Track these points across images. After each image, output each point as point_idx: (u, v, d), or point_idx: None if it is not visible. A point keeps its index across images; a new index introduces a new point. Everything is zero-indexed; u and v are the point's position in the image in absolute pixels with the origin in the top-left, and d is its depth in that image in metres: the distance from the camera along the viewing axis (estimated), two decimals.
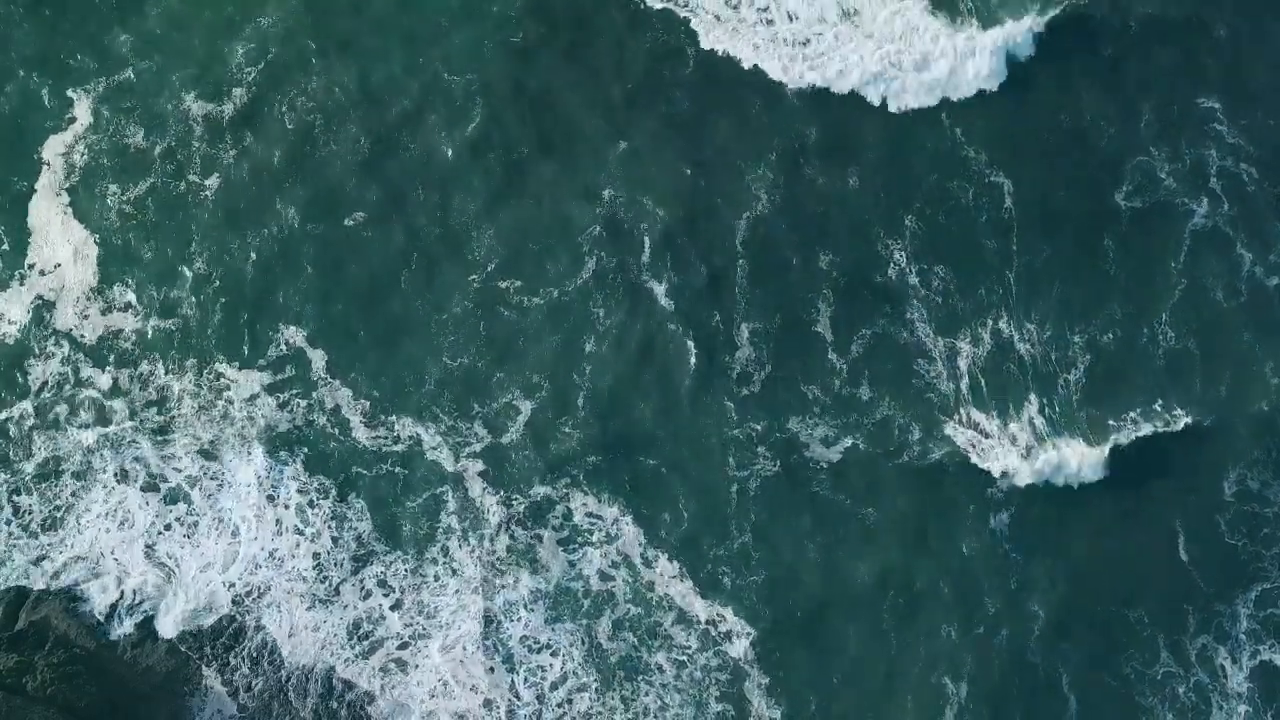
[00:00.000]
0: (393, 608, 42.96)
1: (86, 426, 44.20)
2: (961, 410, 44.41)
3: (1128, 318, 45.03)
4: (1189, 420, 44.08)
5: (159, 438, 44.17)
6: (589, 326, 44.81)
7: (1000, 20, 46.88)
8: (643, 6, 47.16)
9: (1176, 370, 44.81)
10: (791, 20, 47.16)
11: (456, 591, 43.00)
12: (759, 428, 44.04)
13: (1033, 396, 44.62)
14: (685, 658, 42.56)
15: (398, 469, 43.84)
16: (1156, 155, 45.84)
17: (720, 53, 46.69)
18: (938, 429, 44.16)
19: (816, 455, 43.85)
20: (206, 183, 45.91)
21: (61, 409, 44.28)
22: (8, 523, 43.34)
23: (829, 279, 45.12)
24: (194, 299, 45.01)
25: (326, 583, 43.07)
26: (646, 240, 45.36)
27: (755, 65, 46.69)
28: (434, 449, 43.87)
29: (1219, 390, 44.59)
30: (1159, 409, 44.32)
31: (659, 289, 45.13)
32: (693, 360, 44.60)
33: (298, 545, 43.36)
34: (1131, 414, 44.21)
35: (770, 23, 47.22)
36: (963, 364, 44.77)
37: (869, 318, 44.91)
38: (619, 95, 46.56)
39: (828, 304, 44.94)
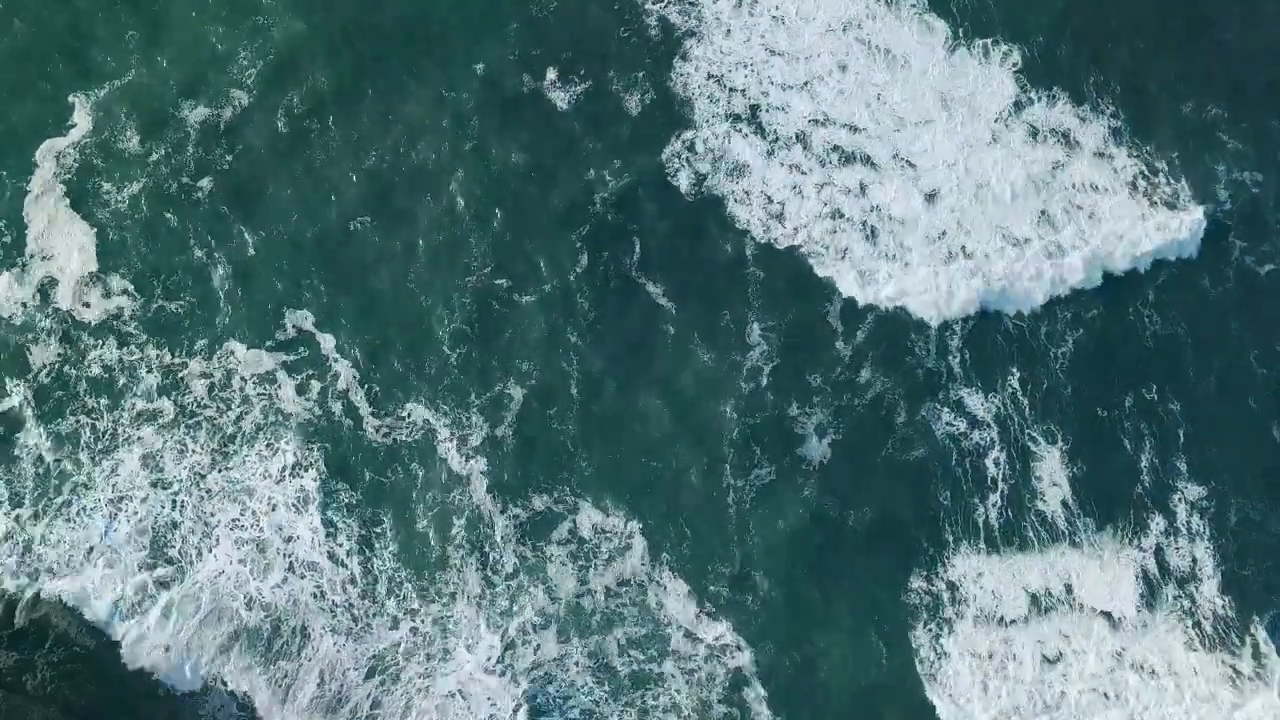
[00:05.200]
0: (402, 621, 42.84)
1: (95, 412, 44.16)
2: (950, 387, 44.67)
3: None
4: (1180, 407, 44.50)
5: (166, 428, 44.15)
6: (588, 325, 44.93)
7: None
8: (649, 19, 47.76)
9: (1166, 354, 45.17)
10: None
11: (465, 605, 42.91)
12: (757, 426, 44.24)
13: (1016, 370, 44.95)
14: (692, 666, 42.49)
15: (402, 479, 43.96)
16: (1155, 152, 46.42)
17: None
18: (924, 411, 44.40)
19: (810, 452, 44.01)
20: (204, 180, 46.12)
21: (66, 395, 44.23)
22: (8, 514, 43.30)
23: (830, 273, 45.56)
24: (197, 290, 45.23)
25: (335, 589, 42.88)
26: (643, 242, 45.61)
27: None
28: (440, 456, 43.94)
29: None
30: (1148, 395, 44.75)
31: (655, 286, 45.32)
32: (690, 360, 44.81)
33: (307, 548, 43.17)
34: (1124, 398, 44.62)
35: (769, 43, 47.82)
36: (953, 343, 45.09)
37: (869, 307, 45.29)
38: (619, 101, 47.00)
39: (835, 296, 45.30)
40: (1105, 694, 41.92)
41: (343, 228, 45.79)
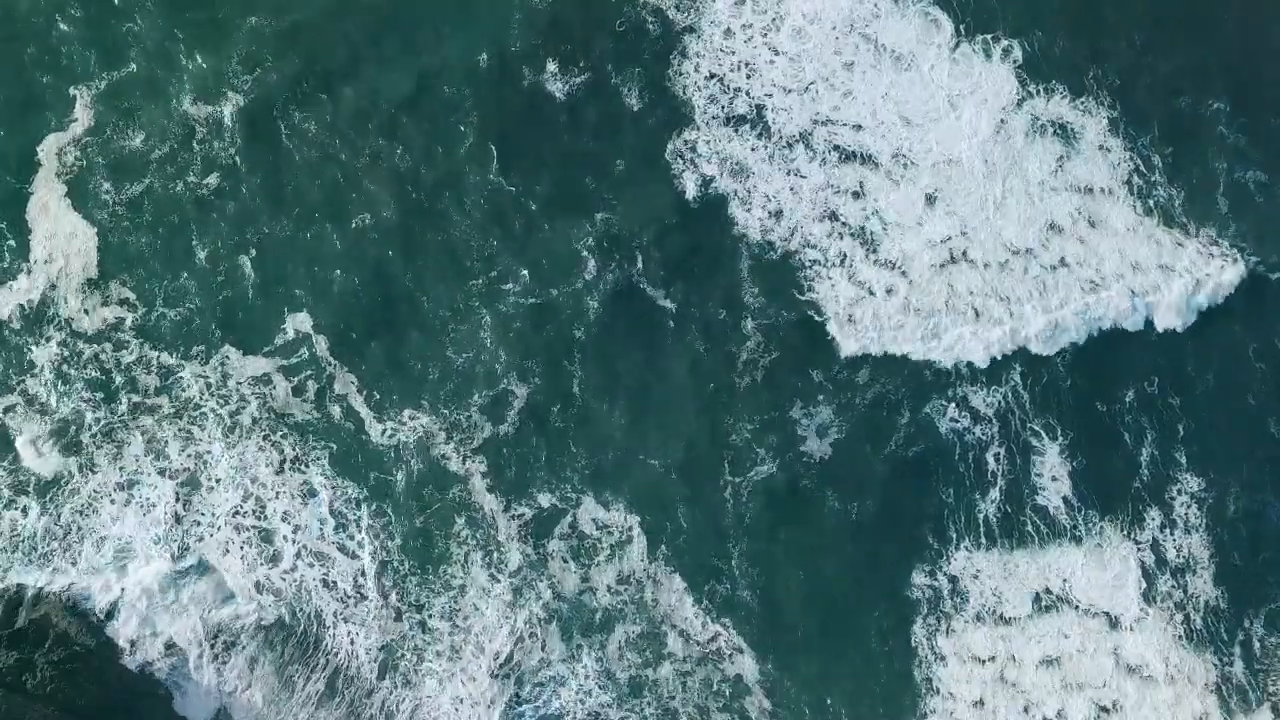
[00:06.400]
0: (406, 615, 42.98)
1: (94, 404, 44.15)
2: (955, 385, 44.59)
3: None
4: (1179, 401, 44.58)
5: (166, 421, 44.12)
6: (590, 323, 44.82)
7: None
8: (647, 14, 47.50)
9: (1167, 349, 45.14)
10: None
11: (472, 599, 43.00)
12: (757, 423, 44.18)
13: (1018, 364, 44.85)
14: (689, 668, 42.67)
15: (405, 474, 43.93)
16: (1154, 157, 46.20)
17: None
18: (926, 408, 44.33)
19: (811, 449, 43.98)
20: (206, 181, 45.87)
21: (68, 392, 44.18)
22: (10, 506, 43.23)
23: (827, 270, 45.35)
24: (197, 291, 45.05)
25: (345, 578, 43.05)
26: (642, 242, 45.44)
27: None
28: (440, 453, 43.91)
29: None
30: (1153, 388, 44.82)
31: (656, 285, 45.19)
32: (691, 357, 44.73)
33: (315, 538, 43.31)
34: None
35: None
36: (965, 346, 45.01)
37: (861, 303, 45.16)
38: (620, 108, 46.74)
39: (829, 295, 45.13)
40: (1103, 707, 42.10)
41: (343, 228, 45.59)
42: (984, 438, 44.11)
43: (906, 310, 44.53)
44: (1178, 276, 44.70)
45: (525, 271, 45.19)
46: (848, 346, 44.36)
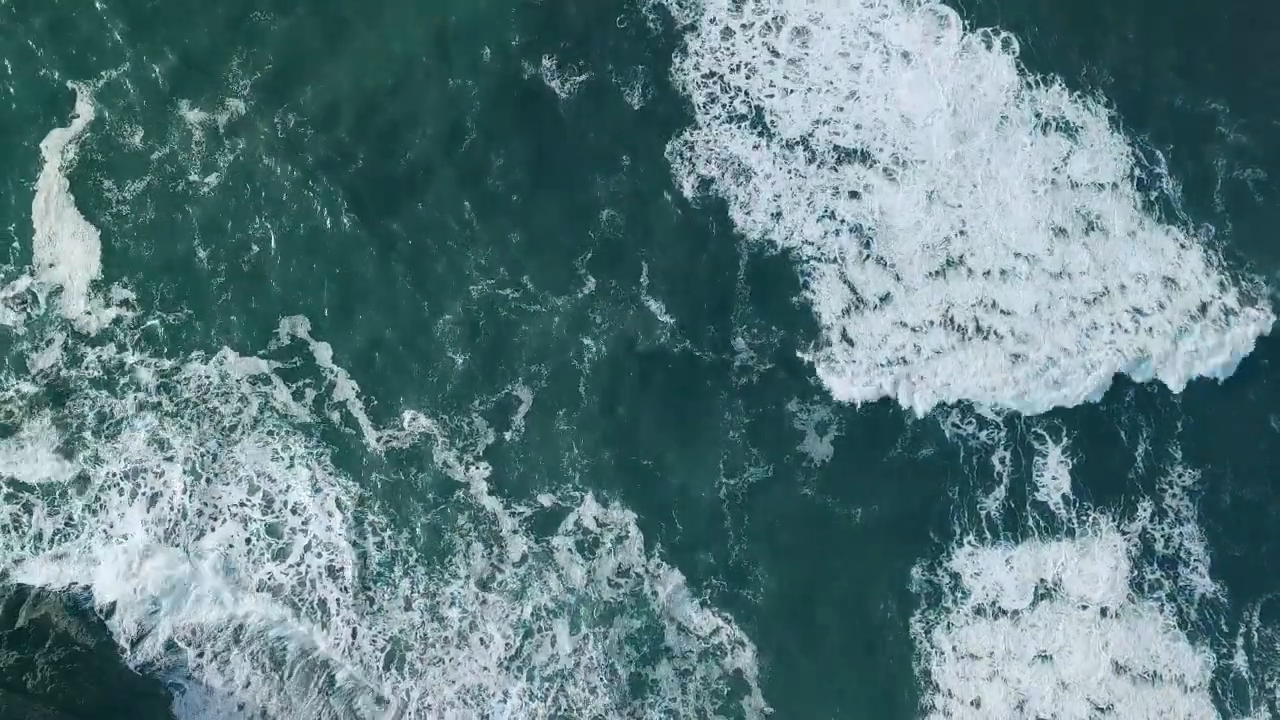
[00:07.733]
0: (415, 601, 42.98)
1: (96, 402, 44.05)
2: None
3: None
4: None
5: (168, 419, 44.04)
6: (589, 328, 44.81)
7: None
8: (646, 9, 47.47)
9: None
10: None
11: (467, 600, 42.99)
12: (756, 421, 44.23)
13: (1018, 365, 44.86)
14: (689, 666, 42.75)
15: (408, 474, 43.91)
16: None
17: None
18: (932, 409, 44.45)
19: (810, 449, 44.03)
20: (207, 180, 45.77)
21: (67, 391, 44.11)
22: (10, 501, 43.20)
23: (822, 269, 45.37)
24: (197, 292, 45.01)
25: (350, 567, 43.03)
26: (642, 243, 45.50)
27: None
28: (443, 454, 43.88)
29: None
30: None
31: (656, 284, 45.20)
32: (690, 357, 44.77)
33: (323, 530, 43.28)
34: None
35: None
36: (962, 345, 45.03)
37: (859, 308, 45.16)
38: (621, 107, 46.70)
39: (825, 296, 45.18)
40: (1099, 707, 42.19)
41: (342, 229, 45.52)
42: (989, 441, 44.14)
43: (903, 336, 44.42)
44: (1182, 292, 44.71)
45: (526, 273, 45.17)
46: (840, 393, 44.22)
